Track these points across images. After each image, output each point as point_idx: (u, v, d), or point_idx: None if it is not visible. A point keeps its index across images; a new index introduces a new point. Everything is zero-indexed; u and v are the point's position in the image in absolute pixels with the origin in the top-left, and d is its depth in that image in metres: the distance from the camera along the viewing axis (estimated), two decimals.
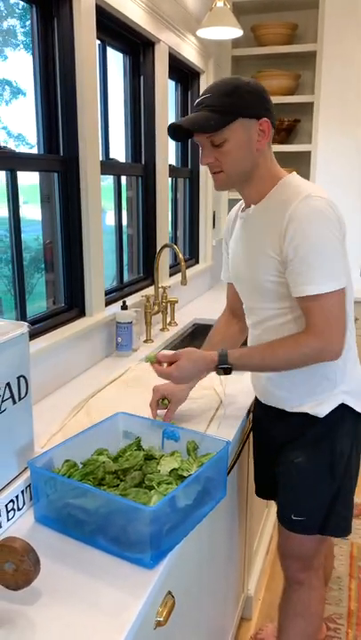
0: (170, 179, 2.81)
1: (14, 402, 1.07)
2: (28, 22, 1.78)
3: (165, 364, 1.41)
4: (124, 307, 2.13)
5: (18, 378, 1.07)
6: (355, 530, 2.39)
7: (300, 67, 3.47)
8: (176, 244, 2.88)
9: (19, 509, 1.08)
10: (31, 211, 1.96)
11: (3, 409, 1.03)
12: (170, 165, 2.76)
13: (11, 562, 0.87)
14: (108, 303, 2.18)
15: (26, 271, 1.77)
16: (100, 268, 2.05)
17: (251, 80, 1.30)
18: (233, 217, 1.54)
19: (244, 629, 1.96)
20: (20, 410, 1.09)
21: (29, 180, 1.86)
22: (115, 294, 2.34)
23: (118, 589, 0.90)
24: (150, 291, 2.51)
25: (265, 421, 1.55)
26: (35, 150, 1.87)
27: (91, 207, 1.95)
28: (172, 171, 2.90)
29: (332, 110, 3.32)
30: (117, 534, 0.97)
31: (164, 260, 2.71)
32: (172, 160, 3.06)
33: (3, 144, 1.61)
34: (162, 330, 2.49)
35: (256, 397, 1.58)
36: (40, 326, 1.81)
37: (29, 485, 1.10)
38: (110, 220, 2.47)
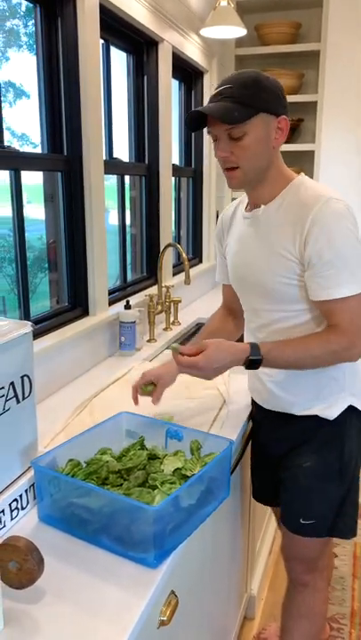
0: (173, 178, 2.81)
1: (18, 401, 1.07)
2: (31, 23, 1.78)
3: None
4: (128, 306, 2.13)
5: (22, 377, 1.07)
6: (358, 530, 2.38)
7: (304, 66, 3.46)
8: (179, 244, 2.88)
9: (22, 508, 1.08)
10: (35, 210, 1.97)
11: (7, 408, 1.03)
12: (173, 165, 2.75)
13: (14, 561, 0.87)
14: (111, 303, 2.18)
15: (29, 270, 1.77)
16: (103, 268, 2.05)
17: (270, 76, 1.28)
18: (229, 216, 1.50)
19: (247, 629, 1.96)
20: (24, 409, 1.09)
21: (33, 180, 1.86)
22: (118, 294, 2.34)
23: (122, 589, 0.90)
24: (154, 290, 2.51)
25: (268, 426, 1.52)
26: (39, 150, 1.87)
27: (94, 207, 1.95)
28: (176, 170, 2.90)
29: (336, 109, 3.31)
30: (121, 534, 0.98)
31: (168, 260, 2.70)
32: (176, 159, 3.06)
33: (6, 144, 1.61)
34: (165, 329, 2.49)
35: (255, 402, 1.55)
36: (43, 326, 1.81)
37: (33, 485, 1.10)
38: (114, 219, 2.47)
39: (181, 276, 2.70)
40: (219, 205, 3.51)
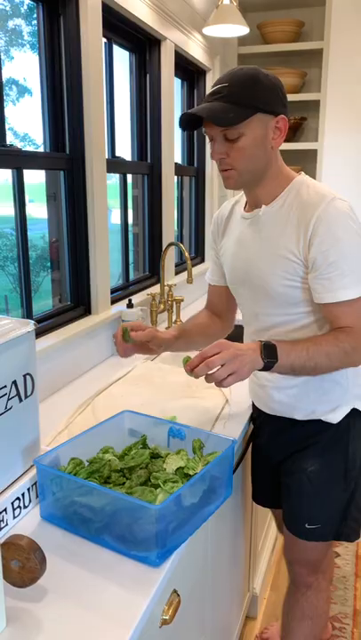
0: (175, 177, 2.81)
1: (20, 400, 1.07)
2: (34, 22, 1.78)
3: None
4: (130, 305, 2.13)
5: (24, 376, 1.07)
6: None
7: (307, 64, 3.45)
8: (182, 243, 2.87)
9: (25, 507, 1.08)
10: (37, 209, 1.97)
11: (9, 407, 1.03)
12: (176, 164, 2.75)
13: (17, 559, 0.87)
14: (113, 301, 2.18)
15: (32, 269, 1.77)
16: (105, 267, 2.05)
17: (269, 73, 1.23)
18: (225, 216, 1.46)
19: (249, 628, 1.96)
20: (27, 408, 1.09)
21: (36, 179, 1.86)
22: (120, 293, 2.34)
23: (124, 587, 0.90)
24: (156, 289, 2.51)
25: (269, 430, 1.50)
26: (41, 150, 1.87)
27: (97, 205, 1.95)
28: (178, 169, 2.90)
29: (339, 108, 3.31)
30: (123, 532, 0.97)
31: (170, 259, 2.70)
32: (178, 158, 3.06)
33: (9, 144, 1.61)
34: (167, 328, 2.49)
35: (255, 406, 1.54)
36: (46, 324, 1.81)
37: (35, 483, 1.10)
38: (116, 218, 2.47)
39: (184, 274, 2.69)
40: (221, 204, 3.51)
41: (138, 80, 2.48)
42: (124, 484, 1.10)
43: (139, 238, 2.70)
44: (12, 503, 1.04)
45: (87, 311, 2.03)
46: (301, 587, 1.54)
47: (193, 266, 2.65)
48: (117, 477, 1.12)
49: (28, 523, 1.06)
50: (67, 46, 1.81)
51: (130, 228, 2.55)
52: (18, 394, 1.06)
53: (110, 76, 2.21)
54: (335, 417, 1.36)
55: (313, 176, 3.42)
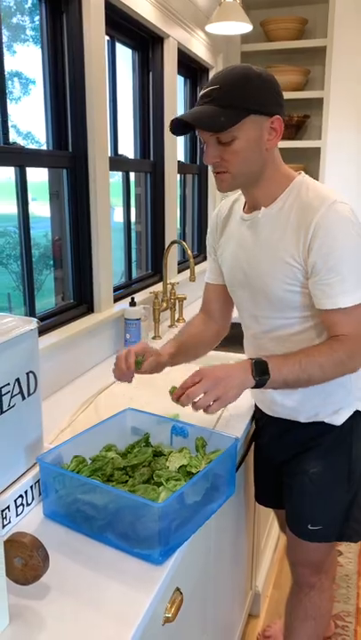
0: (178, 175, 2.80)
1: (23, 397, 1.07)
2: (37, 18, 1.78)
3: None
4: (133, 303, 2.13)
5: (27, 374, 1.07)
6: None
7: (310, 62, 3.44)
8: (185, 241, 2.87)
9: (28, 505, 1.08)
10: (40, 208, 1.97)
11: (12, 404, 1.04)
12: (178, 162, 2.75)
13: (20, 557, 0.87)
14: (116, 300, 2.18)
15: (35, 267, 1.77)
16: (108, 265, 2.05)
17: (262, 71, 1.18)
18: (224, 215, 1.42)
19: (251, 626, 1.96)
20: (30, 406, 1.09)
21: (38, 178, 1.86)
22: (123, 291, 2.34)
23: (127, 585, 0.90)
24: (159, 287, 2.50)
25: (271, 431, 1.49)
26: (44, 148, 1.87)
27: (99, 204, 1.94)
28: (181, 167, 2.89)
29: (342, 106, 3.30)
30: (126, 530, 0.97)
31: (173, 257, 2.70)
32: (181, 156, 3.05)
33: (11, 142, 1.61)
34: (170, 326, 2.49)
35: (258, 407, 1.53)
36: (49, 322, 1.81)
37: (38, 481, 1.10)
38: (119, 216, 2.47)
39: (186, 272, 2.70)
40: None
41: (140, 78, 2.47)
42: (126, 482, 1.10)
43: (141, 236, 2.70)
44: (15, 501, 1.04)
45: (90, 309, 2.03)
46: (304, 587, 1.53)
47: (196, 264, 2.65)
48: (120, 475, 1.12)
49: (31, 520, 1.07)
50: (69, 44, 1.81)
51: (132, 226, 2.55)
52: (21, 391, 1.06)
53: (113, 74, 2.21)
54: (338, 419, 1.35)
55: (316, 174, 3.43)
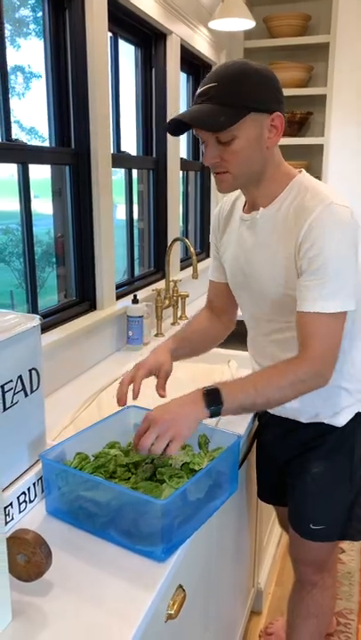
0: (181, 172, 2.80)
1: (26, 394, 1.07)
2: (40, 14, 1.78)
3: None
4: (135, 300, 2.13)
5: (30, 371, 1.07)
6: None
7: (313, 58, 3.43)
8: (187, 238, 2.87)
9: (30, 501, 1.08)
10: (43, 205, 1.97)
11: (14, 401, 1.04)
12: (181, 159, 2.74)
13: (23, 554, 0.87)
14: (118, 297, 2.18)
15: (37, 265, 1.77)
16: (111, 262, 2.04)
17: (261, 66, 1.14)
18: (226, 212, 1.40)
19: (254, 623, 1.97)
20: (32, 402, 1.09)
21: (41, 175, 1.86)
22: (125, 288, 2.34)
23: (130, 582, 0.90)
24: (161, 284, 2.50)
25: (274, 430, 1.49)
26: (47, 144, 1.87)
27: (102, 201, 1.94)
28: (184, 164, 2.89)
29: (345, 103, 3.29)
30: (129, 527, 0.98)
31: (175, 254, 2.70)
32: (184, 153, 3.05)
33: (14, 137, 1.61)
34: (172, 324, 2.48)
35: None
36: (51, 319, 1.81)
37: (41, 478, 1.10)
38: (121, 214, 2.47)
39: (189, 270, 2.69)
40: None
41: (143, 74, 2.47)
42: (129, 479, 1.10)
43: (144, 233, 2.70)
44: (18, 497, 1.04)
45: (92, 307, 2.03)
46: (307, 585, 1.53)
47: (198, 261, 2.64)
48: (123, 472, 1.12)
49: (34, 517, 1.07)
50: (72, 40, 1.80)
51: (135, 224, 2.55)
52: (23, 388, 1.06)
53: (116, 71, 2.21)
54: (340, 420, 1.34)
55: (319, 171, 3.43)
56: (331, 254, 1.12)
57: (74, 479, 1.06)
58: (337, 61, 3.24)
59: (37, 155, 1.74)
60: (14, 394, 1.03)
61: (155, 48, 2.46)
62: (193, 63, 3.03)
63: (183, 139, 3.00)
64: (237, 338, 1.62)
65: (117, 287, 2.19)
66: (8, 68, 1.54)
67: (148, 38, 2.43)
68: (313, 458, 1.39)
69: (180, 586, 1.02)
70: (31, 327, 1.06)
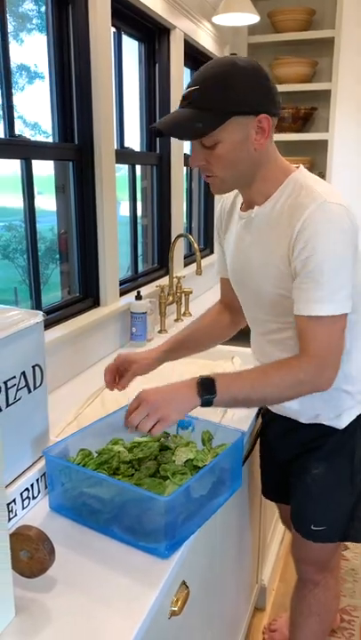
0: (185, 168, 2.79)
1: (29, 391, 1.07)
2: (43, 8, 1.77)
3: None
4: (139, 297, 2.12)
5: (33, 367, 1.07)
6: None
7: (318, 53, 3.41)
8: (191, 234, 2.86)
9: (34, 498, 1.08)
10: (46, 202, 1.96)
11: (18, 398, 1.03)
12: (185, 155, 2.74)
13: (26, 550, 0.87)
14: (122, 293, 2.18)
15: (41, 261, 1.77)
16: (114, 259, 2.04)
17: (248, 64, 1.09)
18: (227, 209, 1.37)
19: (257, 619, 1.97)
20: (36, 399, 1.09)
21: (44, 171, 1.86)
22: (129, 284, 2.34)
23: (133, 579, 0.90)
24: (165, 281, 2.50)
25: (276, 428, 1.48)
26: (51, 139, 1.86)
27: (105, 197, 1.94)
28: (187, 160, 2.88)
29: (350, 98, 3.27)
30: (132, 524, 0.97)
31: (179, 251, 2.69)
32: (187, 149, 3.04)
33: (18, 133, 1.60)
34: (176, 320, 2.48)
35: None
36: (55, 316, 1.81)
37: (44, 474, 1.10)
38: (125, 210, 2.46)
39: (193, 266, 2.68)
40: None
41: (147, 70, 2.46)
42: (132, 475, 1.10)
43: (148, 230, 2.69)
44: (21, 494, 1.04)
45: (96, 303, 2.03)
46: (309, 584, 1.53)
47: (202, 257, 2.63)
48: (126, 469, 1.11)
49: (37, 513, 1.07)
50: (75, 35, 1.79)
51: (139, 220, 2.54)
52: (27, 385, 1.06)
53: (119, 66, 2.20)
54: (340, 422, 1.33)
55: (323, 167, 3.41)
56: (325, 255, 1.08)
57: (77, 475, 1.06)
58: (342, 56, 3.22)
59: (40, 150, 1.74)
60: (17, 390, 1.03)
61: (158, 43, 2.45)
62: (197, 58, 3.01)
63: None
64: (242, 334, 1.62)
65: (121, 283, 2.19)
66: (12, 65, 1.54)
67: (151, 33, 2.42)
68: (313, 459, 1.37)
69: (184, 582, 1.02)
70: (34, 323, 1.06)
